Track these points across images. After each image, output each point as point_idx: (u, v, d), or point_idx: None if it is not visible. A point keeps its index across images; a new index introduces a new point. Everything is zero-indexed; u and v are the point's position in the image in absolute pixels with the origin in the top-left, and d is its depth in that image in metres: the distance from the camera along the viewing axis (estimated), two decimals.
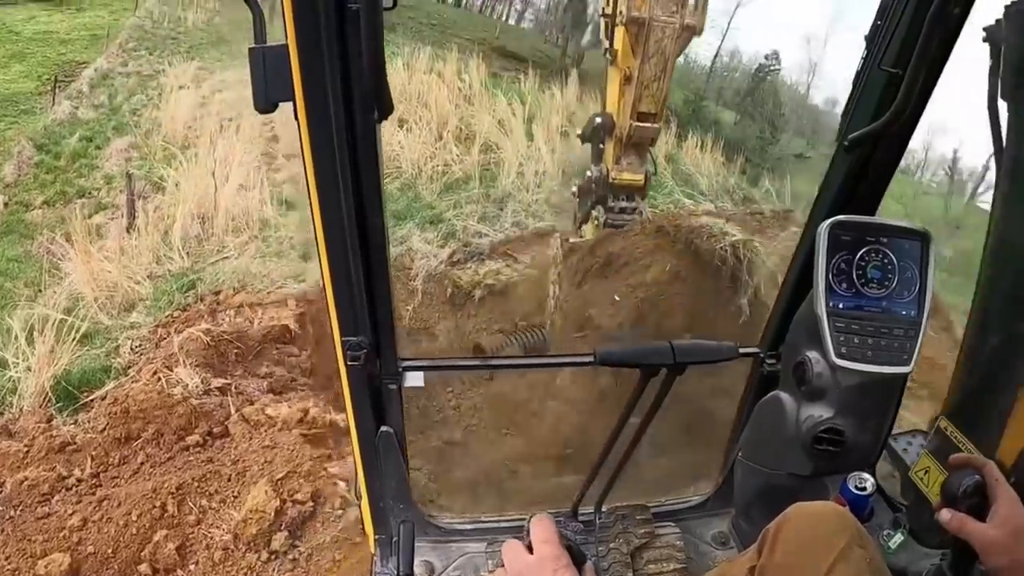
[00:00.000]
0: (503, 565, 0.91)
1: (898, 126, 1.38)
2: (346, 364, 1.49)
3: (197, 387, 4.52)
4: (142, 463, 4.01)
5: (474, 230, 7.55)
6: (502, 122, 10.65)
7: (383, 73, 1.09)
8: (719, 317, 5.88)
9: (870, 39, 1.40)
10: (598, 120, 6.39)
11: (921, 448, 1.70)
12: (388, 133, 9.06)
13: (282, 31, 1.06)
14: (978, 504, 1.14)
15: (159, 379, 4.52)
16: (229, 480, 3.81)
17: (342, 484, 3.85)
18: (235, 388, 4.81)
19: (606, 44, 6.18)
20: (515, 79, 14.64)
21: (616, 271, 6.19)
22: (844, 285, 1.52)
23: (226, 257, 7.02)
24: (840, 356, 1.48)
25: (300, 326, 5.87)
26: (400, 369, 1.66)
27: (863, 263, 1.51)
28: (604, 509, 1.94)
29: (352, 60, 1.09)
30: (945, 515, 1.17)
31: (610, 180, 6.39)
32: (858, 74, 1.45)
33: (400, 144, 9.26)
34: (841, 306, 1.51)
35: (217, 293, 6.23)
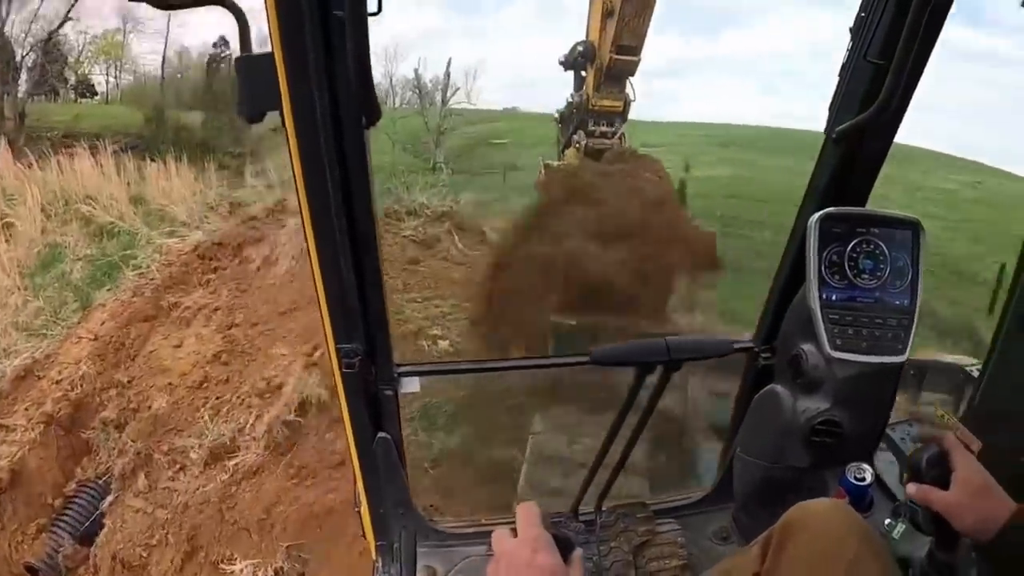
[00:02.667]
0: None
1: (885, 117, 1.39)
2: (341, 371, 1.48)
3: None
4: None
5: None
6: None
7: (370, 79, 1.08)
8: None
9: (855, 31, 1.40)
10: (579, 48, 6.66)
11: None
12: None
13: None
14: (941, 474, 1.17)
15: None
16: None
17: None
18: None
19: None
20: None
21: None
22: (837, 277, 1.52)
23: None
24: (835, 348, 1.49)
25: None
26: (396, 375, 1.66)
27: (855, 254, 1.52)
28: (604, 508, 1.94)
29: (338, 67, 1.09)
30: (911, 488, 1.20)
31: (590, 106, 6.73)
32: (844, 66, 1.45)
33: None
34: (834, 298, 1.51)
35: None
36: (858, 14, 1.39)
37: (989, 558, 1.13)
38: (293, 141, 1.16)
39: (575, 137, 7.04)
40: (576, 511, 1.94)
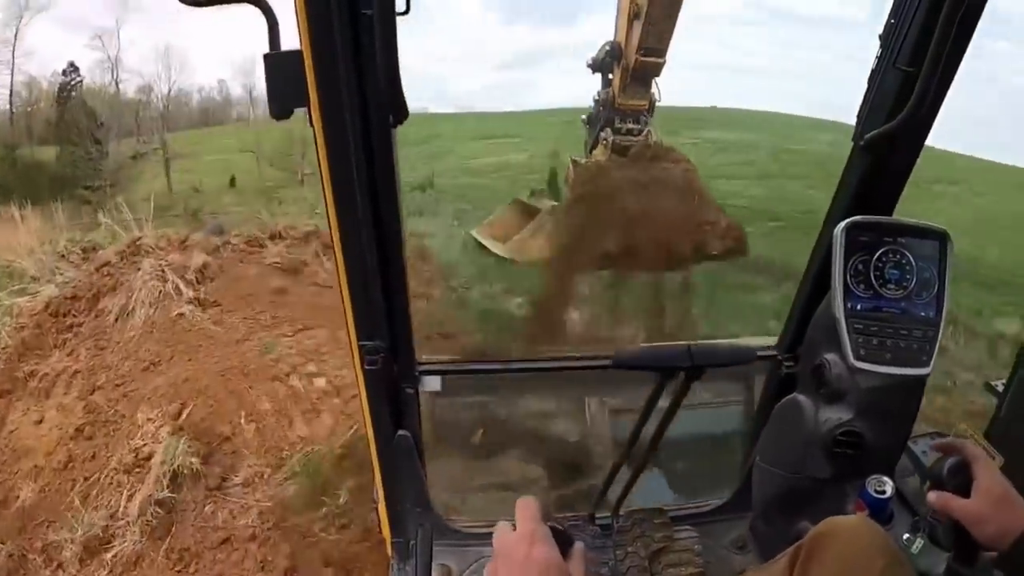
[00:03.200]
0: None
1: (914, 124, 1.37)
2: (363, 368, 1.50)
3: None
4: None
5: None
6: None
7: (398, 78, 1.10)
8: None
9: (885, 38, 1.39)
10: (607, 48, 6.92)
11: None
12: None
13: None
14: (963, 483, 1.17)
15: None
16: None
17: None
18: None
19: None
20: None
21: None
22: (862, 286, 1.50)
23: None
24: (859, 358, 1.47)
25: None
26: (418, 373, 1.67)
27: (881, 264, 1.50)
28: (621, 513, 1.94)
29: (366, 65, 1.10)
30: (931, 496, 1.20)
31: (617, 104, 6.85)
32: (873, 73, 1.44)
33: None
34: (859, 307, 1.50)
35: None
36: (887, 21, 1.37)
37: (1006, 569, 1.12)
38: (320, 138, 1.18)
39: (602, 135, 7.26)
40: (593, 515, 1.95)
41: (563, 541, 0.88)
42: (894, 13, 1.35)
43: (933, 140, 1.46)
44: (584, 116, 7.69)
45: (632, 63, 6.55)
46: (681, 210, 6.66)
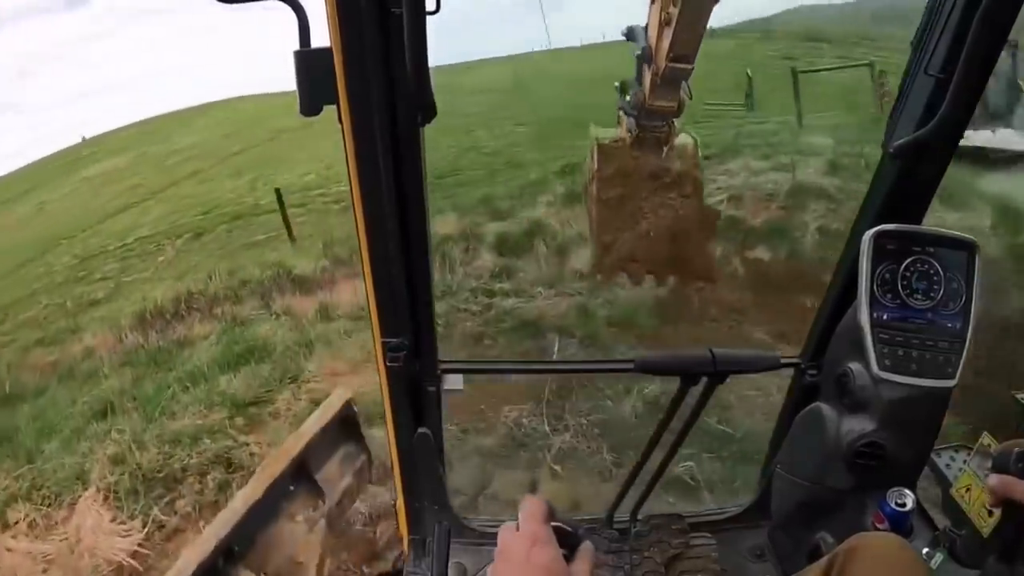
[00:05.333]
0: None
1: (945, 132, 1.35)
2: (386, 365, 1.52)
3: None
4: None
5: None
6: None
7: (426, 77, 1.10)
8: None
9: (916, 44, 1.37)
10: (637, 53, 7.10)
11: (964, 464, 1.65)
12: None
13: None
14: None
15: None
16: None
17: None
18: None
19: None
20: None
21: None
22: (889, 296, 1.48)
23: None
24: (883, 368, 1.45)
25: None
26: (439, 371, 1.69)
27: (908, 273, 1.48)
28: (639, 518, 1.93)
29: (395, 64, 1.12)
30: (992, 479, 1.17)
31: (646, 106, 7.17)
32: (904, 80, 1.42)
33: None
34: (885, 317, 1.48)
35: None
36: (919, 27, 1.35)
37: None
38: (349, 136, 1.20)
39: (628, 123, 7.51)
40: (611, 519, 1.94)
41: (570, 542, 0.87)
42: (926, 19, 1.34)
43: None
44: (617, 83, 7.85)
45: (662, 68, 6.71)
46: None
